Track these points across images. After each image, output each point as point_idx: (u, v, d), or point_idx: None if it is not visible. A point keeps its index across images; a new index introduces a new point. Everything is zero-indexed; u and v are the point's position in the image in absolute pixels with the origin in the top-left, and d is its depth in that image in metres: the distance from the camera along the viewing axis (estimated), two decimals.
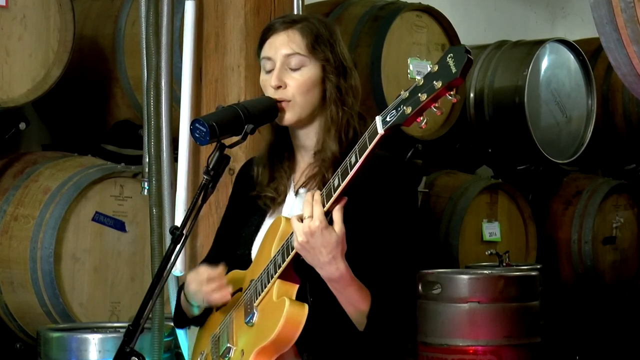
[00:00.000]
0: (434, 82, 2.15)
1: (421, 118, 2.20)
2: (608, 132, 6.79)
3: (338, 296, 2.42)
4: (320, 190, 2.39)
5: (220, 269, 2.56)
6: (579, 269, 6.51)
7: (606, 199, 6.57)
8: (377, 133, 2.24)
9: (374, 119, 2.27)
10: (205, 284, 2.54)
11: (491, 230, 6.00)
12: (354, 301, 2.42)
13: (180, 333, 3.76)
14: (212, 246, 2.82)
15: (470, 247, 5.90)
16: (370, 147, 2.26)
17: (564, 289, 6.51)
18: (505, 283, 4.43)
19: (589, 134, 6.37)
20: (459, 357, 4.41)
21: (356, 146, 2.30)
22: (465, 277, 4.47)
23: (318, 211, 2.34)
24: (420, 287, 4.43)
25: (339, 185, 2.32)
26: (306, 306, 2.40)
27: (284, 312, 2.38)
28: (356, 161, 2.28)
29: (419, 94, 2.17)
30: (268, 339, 2.39)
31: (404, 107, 2.19)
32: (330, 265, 2.37)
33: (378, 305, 2.42)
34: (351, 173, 2.29)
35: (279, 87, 2.55)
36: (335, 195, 2.33)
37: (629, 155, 7.02)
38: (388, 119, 2.22)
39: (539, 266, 5.54)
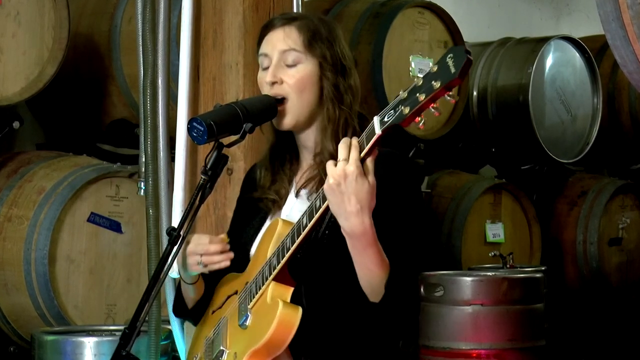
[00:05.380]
0: (433, 82, 2.14)
1: (419, 118, 2.20)
2: (614, 131, 6.78)
3: (356, 257, 2.34)
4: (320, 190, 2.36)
5: (223, 235, 2.58)
6: (584, 270, 6.49)
7: (612, 200, 6.55)
8: (374, 133, 2.23)
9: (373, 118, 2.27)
10: (207, 244, 2.53)
11: (495, 231, 5.99)
12: (372, 264, 2.34)
13: (178, 336, 3.76)
14: None
15: (473, 249, 5.89)
16: (367, 148, 2.25)
17: (569, 291, 6.51)
18: (509, 285, 4.43)
19: (595, 133, 6.35)
20: None
21: None
22: (468, 279, 4.46)
23: (354, 155, 2.28)
24: (422, 290, 4.42)
25: None
26: (300, 309, 2.38)
27: (277, 314, 2.36)
28: None
29: (418, 94, 2.16)
30: (260, 341, 2.37)
31: (402, 107, 2.19)
32: (356, 217, 2.28)
33: (396, 275, 2.36)
34: None
35: (274, 83, 2.54)
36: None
37: (635, 154, 7.02)
38: (386, 119, 2.22)
39: (543, 268, 5.56)
